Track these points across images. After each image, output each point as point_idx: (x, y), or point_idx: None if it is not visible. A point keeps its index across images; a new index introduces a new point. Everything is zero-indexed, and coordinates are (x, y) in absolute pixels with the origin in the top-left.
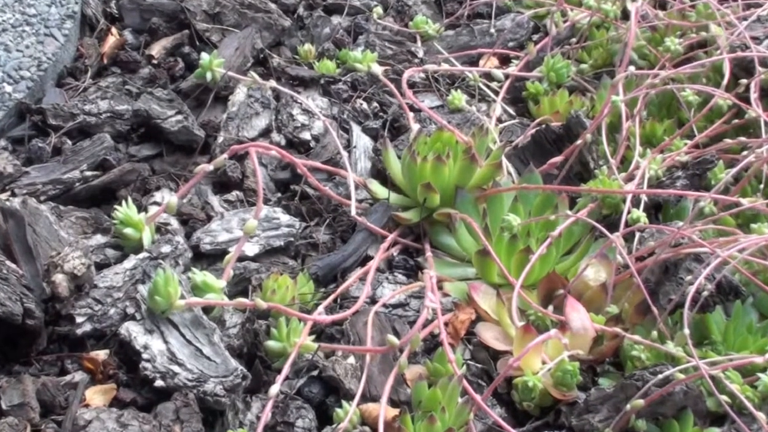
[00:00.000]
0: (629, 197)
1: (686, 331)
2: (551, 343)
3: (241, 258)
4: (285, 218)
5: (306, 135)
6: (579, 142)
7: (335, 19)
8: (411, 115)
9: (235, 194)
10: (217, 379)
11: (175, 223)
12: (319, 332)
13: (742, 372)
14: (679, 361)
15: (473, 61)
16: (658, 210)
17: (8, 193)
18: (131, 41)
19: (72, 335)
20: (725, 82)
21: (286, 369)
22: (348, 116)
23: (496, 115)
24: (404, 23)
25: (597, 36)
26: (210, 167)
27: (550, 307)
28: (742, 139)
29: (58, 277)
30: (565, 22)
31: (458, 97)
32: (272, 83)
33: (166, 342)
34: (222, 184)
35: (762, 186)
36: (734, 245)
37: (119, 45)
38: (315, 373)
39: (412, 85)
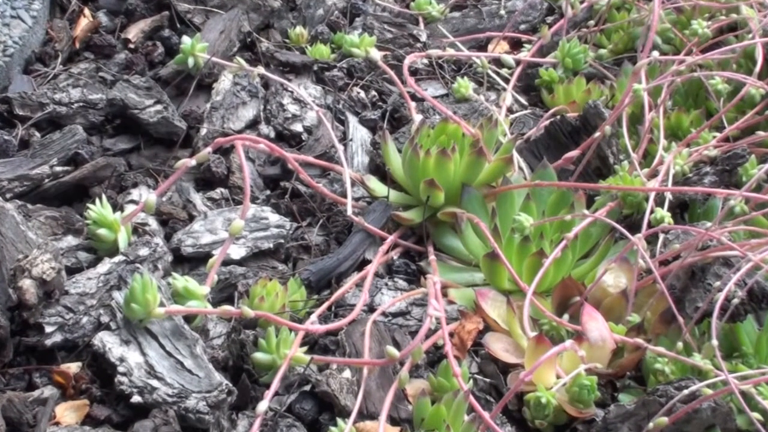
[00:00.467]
0: (652, 195)
1: (714, 342)
2: (566, 356)
3: (226, 262)
4: (274, 218)
5: (297, 127)
6: (597, 134)
7: (330, 0)
8: (413, 104)
9: (219, 192)
10: (200, 394)
11: (153, 224)
12: (312, 343)
13: None
14: (706, 375)
15: (481, 46)
16: (684, 209)
17: None
18: (106, 23)
19: (41, 346)
20: (758, 69)
21: (275, 383)
22: (344, 106)
23: (506, 105)
24: (405, 4)
25: (617, 18)
26: (192, 162)
27: (566, 316)
28: None
29: (26, 283)
30: (582, 2)
31: (465, 86)
32: (260, 70)
33: (143, 354)
34: (205, 180)
35: None
36: (767, 248)
37: (93, 28)
38: (307, 387)
39: (414, 72)
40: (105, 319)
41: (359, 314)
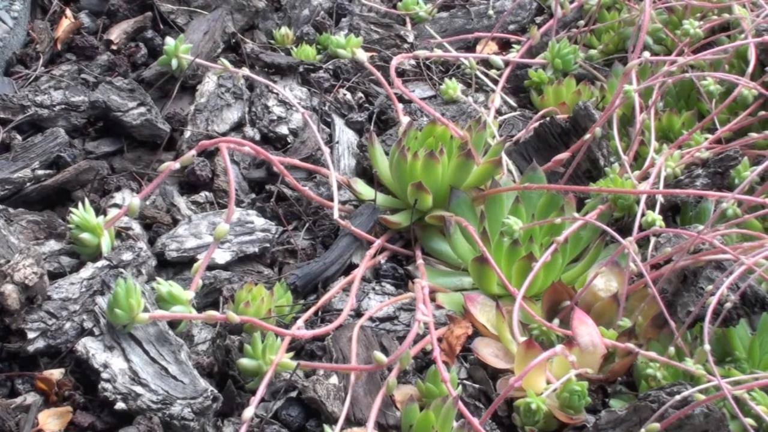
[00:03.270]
0: (643, 198)
1: (707, 346)
2: (557, 361)
3: (211, 266)
4: (260, 222)
5: (283, 129)
6: (587, 136)
7: (315, 0)
8: (400, 106)
9: (204, 195)
10: (185, 401)
11: (137, 228)
12: (299, 349)
13: None
14: (698, 380)
15: (469, 47)
16: (675, 212)
17: None
18: (88, 24)
19: (23, 352)
20: (750, 69)
21: (261, 390)
22: (330, 108)
23: (495, 107)
24: (392, 4)
25: (607, 18)
26: (176, 165)
27: (556, 321)
28: None
29: (8, 288)
30: (572, 2)
31: (453, 87)
32: (245, 71)
33: (127, 360)
34: (189, 184)
35: None
36: (760, 251)
37: (74, 29)
38: (294, 394)
39: (401, 73)
40: (88, 324)
41: (346, 319)
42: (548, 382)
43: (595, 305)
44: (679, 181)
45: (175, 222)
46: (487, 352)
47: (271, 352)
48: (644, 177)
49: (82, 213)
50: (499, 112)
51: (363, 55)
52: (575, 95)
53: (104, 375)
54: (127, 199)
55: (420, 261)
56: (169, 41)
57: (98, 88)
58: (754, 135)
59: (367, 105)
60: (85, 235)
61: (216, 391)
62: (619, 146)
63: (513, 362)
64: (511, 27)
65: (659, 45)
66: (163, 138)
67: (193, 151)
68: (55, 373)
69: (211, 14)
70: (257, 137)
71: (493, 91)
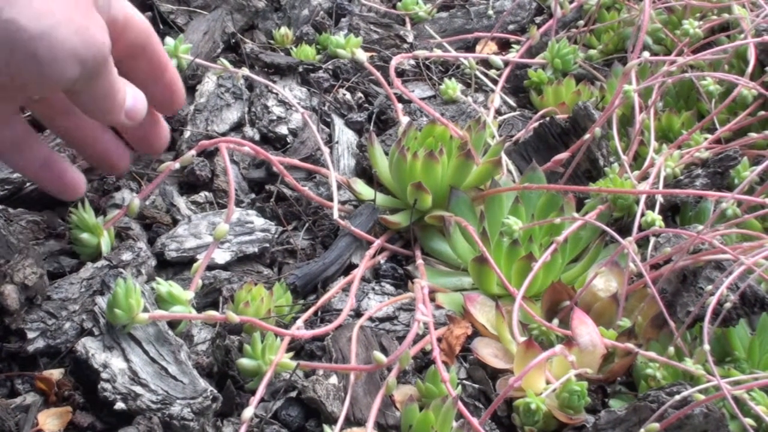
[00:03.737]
0: (643, 198)
1: (706, 346)
2: (556, 361)
3: (211, 266)
4: (259, 222)
5: (282, 129)
6: (587, 136)
7: (315, 0)
8: (400, 106)
9: (203, 195)
10: (185, 401)
11: (137, 228)
12: (298, 349)
13: None
14: (698, 380)
15: (469, 47)
16: (675, 212)
17: None
18: None
19: (23, 352)
20: (750, 69)
21: (261, 390)
22: (329, 108)
23: (494, 107)
24: (392, 4)
25: (607, 18)
26: (176, 165)
27: (555, 321)
28: None
29: (7, 288)
30: (571, 2)
31: (452, 87)
32: (245, 71)
33: (127, 360)
34: (189, 184)
35: None
36: (760, 251)
37: None
38: (293, 394)
39: (400, 73)
40: (88, 324)
41: (346, 319)
42: (548, 382)
43: (595, 305)
44: (679, 181)
45: (175, 222)
46: (486, 352)
47: (271, 352)
48: (644, 177)
49: (81, 213)
50: (498, 112)
51: (362, 55)
52: (575, 95)
53: (104, 375)
54: (127, 199)
55: (420, 261)
56: (169, 41)
57: None
58: (753, 135)
59: (366, 105)
60: (84, 235)
61: (216, 391)
62: (618, 146)
63: (512, 362)
64: (511, 27)
65: (659, 45)
66: None
67: (193, 151)
68: (55, 373)
69: (210, 14)
70: (257, 137)
71: (493, 91)
